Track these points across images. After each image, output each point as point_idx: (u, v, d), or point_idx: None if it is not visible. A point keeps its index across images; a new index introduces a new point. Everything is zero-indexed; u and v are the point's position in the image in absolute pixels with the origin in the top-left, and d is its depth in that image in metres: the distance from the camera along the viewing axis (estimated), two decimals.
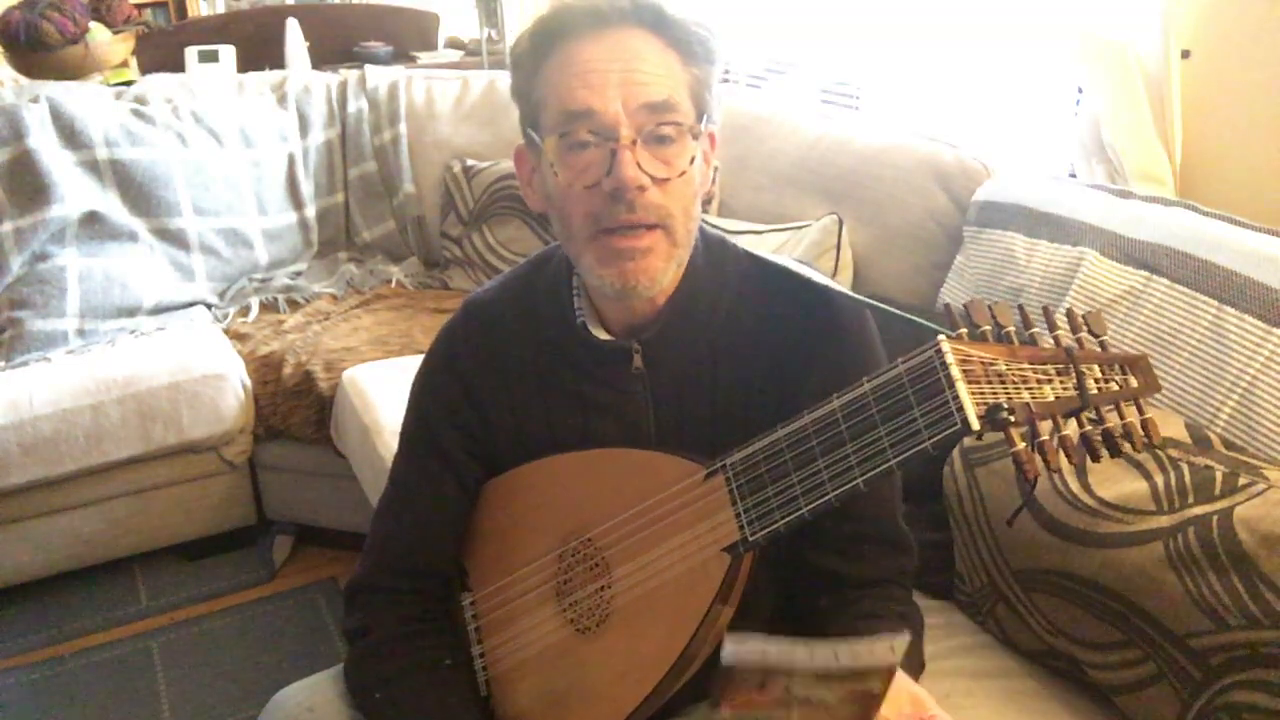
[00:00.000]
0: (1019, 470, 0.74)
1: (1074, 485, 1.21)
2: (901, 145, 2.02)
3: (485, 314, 1.11)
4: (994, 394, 0.75)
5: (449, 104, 2.86)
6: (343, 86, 2.87)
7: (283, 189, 2.74)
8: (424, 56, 3.76)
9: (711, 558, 0.91)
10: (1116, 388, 0.83)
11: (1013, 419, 0.74)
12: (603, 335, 1.03)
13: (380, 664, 1.07)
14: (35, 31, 3.05)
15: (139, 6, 4.08)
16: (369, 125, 2.83)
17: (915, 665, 1.02)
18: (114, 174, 2.49)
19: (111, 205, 2.48)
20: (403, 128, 2.81)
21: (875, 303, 1.00)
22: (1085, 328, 0.84)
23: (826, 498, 0.83)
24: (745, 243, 1.09)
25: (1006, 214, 1.71)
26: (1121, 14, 1.74)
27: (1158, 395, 1.29)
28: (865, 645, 0.70)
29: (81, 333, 2.34)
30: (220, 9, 4.71)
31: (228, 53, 3.31)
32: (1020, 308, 0.82)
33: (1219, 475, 1.12)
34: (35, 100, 2.46)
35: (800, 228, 2.07)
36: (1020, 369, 0.77)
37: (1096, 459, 0.80)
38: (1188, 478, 1.14)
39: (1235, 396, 1.26)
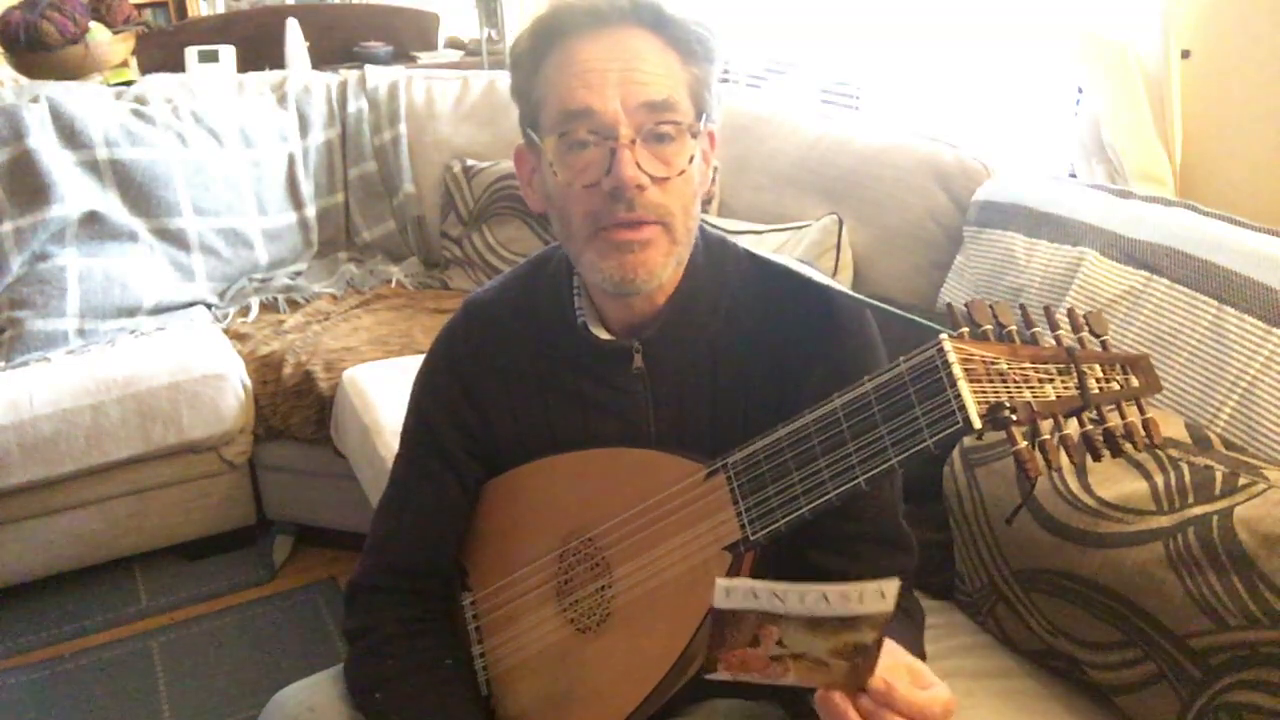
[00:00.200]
0: (1020, 469, 0.74)
1: (1074, 485, 1.21)
2: (901, 145, 2.02)
3: (485, 314, 1.11)
4: (995, 393, 0.75)
5: (449, 104, 2.86)
6: (343, 86, 2.87)
7: (283, 189, 2.74)
8: (424, 56, 3.76)
9: (712, 557, 0.91)
10: (1118, 387, 0.83)
11: (1014, 418, 0.74)
12: (603, 335, 1.03)
13: (380, 664, 1.07)
14: (35, 31, 3.05)
15: (139, 6, 4.09)
16: (369, 125, 2.83)
17: (917, 659, 1.02)
18: (114, 174, 2.49)
19: (111, 205, 2.48)
20: (403, 128, 2.81)
21: (876, 302, 1.00)
22: (1086, 327, 0.84)
23: (828, 496, 0.83)
24: (745, 243, 1.09)
25: (1006, 214, 1.71)
26: (1121, 14, 1.74)
27: (1158, 395, 1.29)
28: (854, 588, 0.69)
29: (81, 333, 2.34)
30: (220, 9, 4.72)
31: (228, 53, 3.31)
32: (1022, 307, 0.82)
33: (1219, 475, 1.12)
34: (35, 100, 2.46)
35: (800, 228, 2.07)
36: (1022, 368, 0.77)
37: (1098, 458, 0.80)
38: (1188, 478, 1.14)
39: (1235, 396, 1.26)
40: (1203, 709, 1.06)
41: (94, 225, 2.44)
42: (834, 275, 1.98)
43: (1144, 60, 1.71)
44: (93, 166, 2.48)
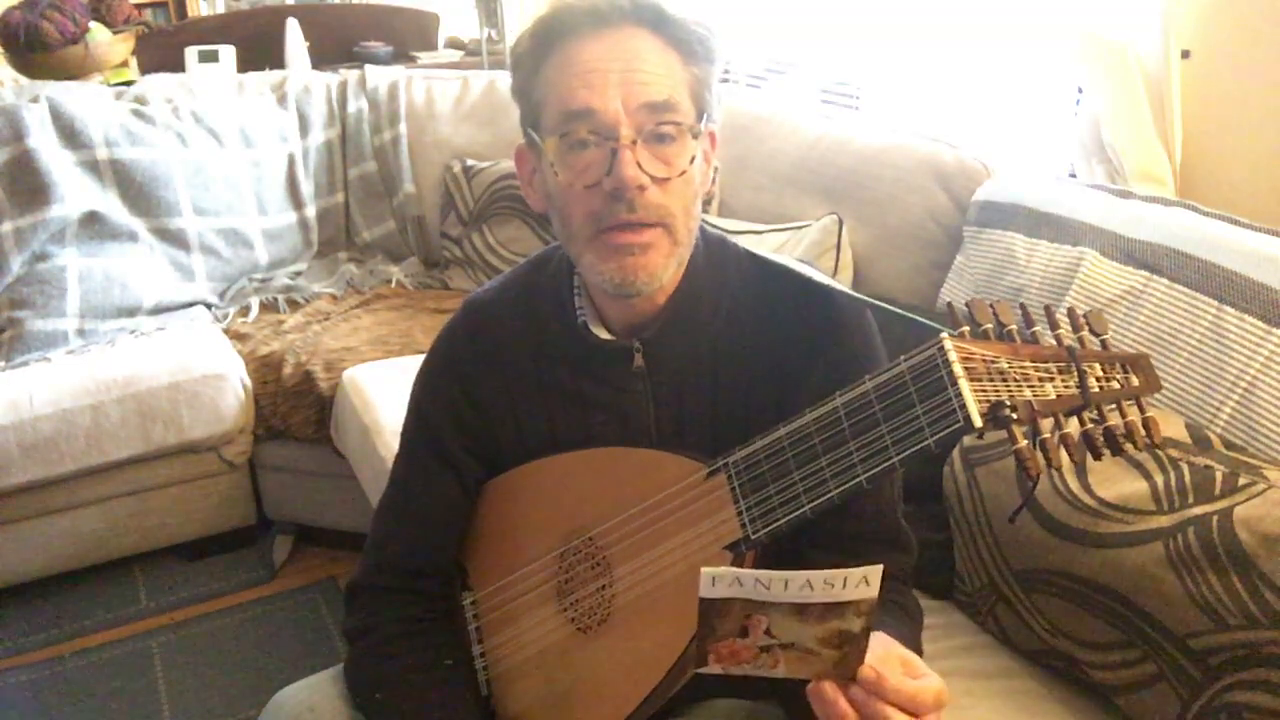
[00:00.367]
0: (1021, 467, 0.74)
1: (1074, 485, 1.21)
2: (901, 145, 2.02)
3: (486, 314, 1.11)
4: (996, 392, 0.75)
5: (449, 104, 2.86)
6: (343, 86, 2.87)
7: (283, 189, 2.75)
8: (424, 56, 3.76)
9: (713, 556, 0.91)
10: (1118, 386, 0.83)
11: (1015, 416, 0.74)
12: (604, 335, 1.03)
13: (381, 664, 1.07)
14: (35, 31, 3.05)
15: (139, 6, 4.08)
16: (369, 125, 2.83)
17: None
18: (114, 174, 2.49)
19: (111, 205, 2.48)
20: (403, 128, 2.81)
21: (876, 302, 1.00)
22: (1086, 326, 0.84)
23: (829, 495, 0.83)
24: (745, 243, 1.09)
25: (1006, 214, 1.71)
26: (1121, 14, 1.74)
27: (1158, 395, 1.29)
28: (838, 574, 0.70)
29: (81, 333, 2.34)
30: (220, 9, 4.72)
31: (228, 53, 3.31)
32: (1022, 306, 0.82)
33: (1219, 475, 1.12)
34: (35, 100, 2.46)
35: (800, 228, 2.07)
36: (1022, 367, 0.77)
37: (1098, 457, 0.80)
38: (1188, 478, 1.14)
39: (1235, 396, 1.26)
40: (1203, 709, 1.06)
41: (94, 225, 2.44)
42: (834, 275, 1.98)
43: (1144, 60, 1.71)
44: (93, 166, 2.48)
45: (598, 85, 0.92)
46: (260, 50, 3.45)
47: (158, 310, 2.48)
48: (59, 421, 2.13)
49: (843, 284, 1.68)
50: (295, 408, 2.29)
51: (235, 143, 2.67)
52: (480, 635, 1.10)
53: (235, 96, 2.77)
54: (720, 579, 0.71)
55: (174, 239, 2.55)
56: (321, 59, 3.49)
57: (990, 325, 0.78)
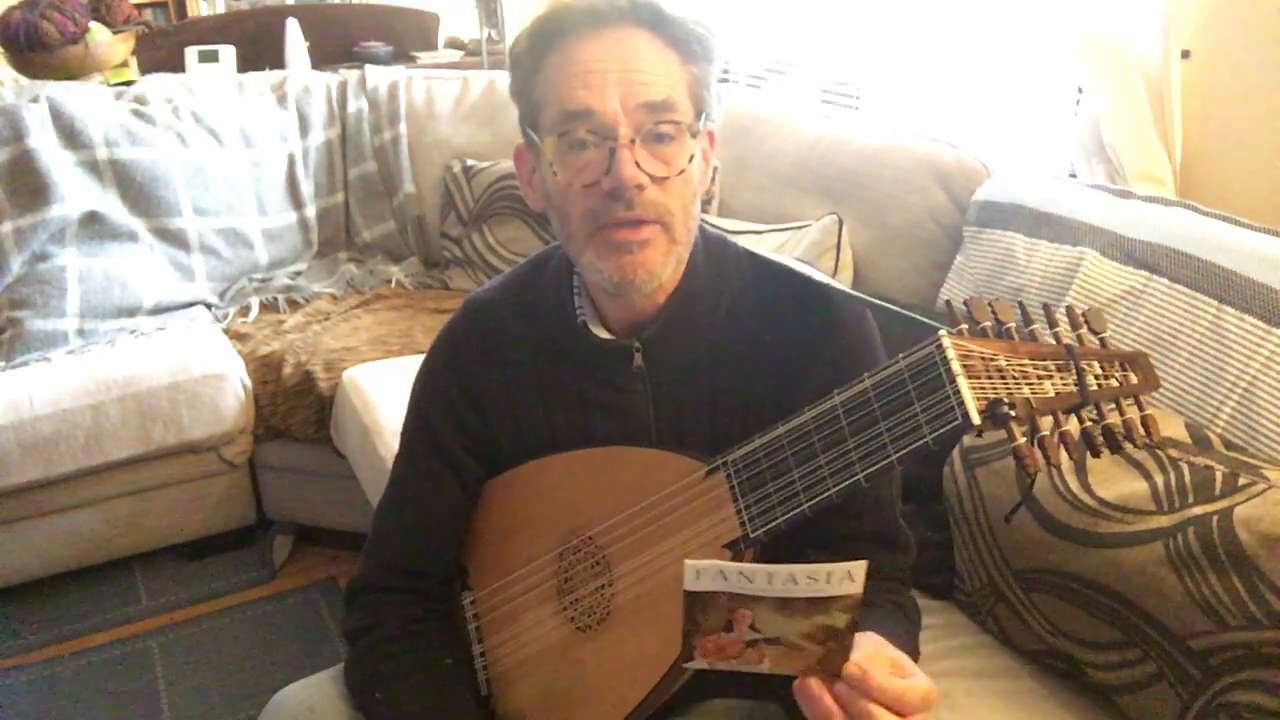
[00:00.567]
0: (1020, 465, 0.74)
1: (1074, 485, 1.21)
2: (901, 145, 2.02)
3: (486, 313, 1.11)
4: (994, 389, 0.75)
5: (449, 104, 2.86)
6: (343, 86, 2.87)
7: (283, 189, 2.75)
8: (424, 56, 3.76)
9: (713, 554, 0.91)
10: (1116, 384, 0.83)
11: (1014, 414, 0.74)
12: (603, 334, 1.03)
13: (381, 663, 1.07)
14: (35, 31, 3.05)
15: (139, 6, 4.09)
16: (369, 125, 2.83)
17: (910, 655, 1.02)
18: (114, 174, 2.49)
19: (111, 205, 2.48)
20: (403, 128, 2.81)
21: (876, 301, 1.00)
22: (1085, 325, 0.84)
23: (828, 493, 0.83)
24: (745, 242, 1.09)
25: (1006, 214, 1.71)
26: (1121, 14, 1.74)
27: (1157, 395, 1.29)
28: (822, 569, 0.70)
29: (81, 333, 2.34)
30: (220, 9, 4.72)
31: (228, 53, 3.31)
32: (1021, 304, 0.82)
33: (1219, 475, 1.12)
34: (35, 100, 2.46)
35: (800, 228, 2.07)
36: (1021, 365, 0.77)
37: (1097, 455, 0.80)
38: (1188, 478, 1.14)
39: (1235, 396, 1.26)
40: (1203, 709, 1.06)
41: (94, 225, 2.44)
42: (834, 275, 1.98)
43: (1144, 60, 1.71)
44: (93, 166, 2.48)
45: (596, 85, 0.92)
46: (260, 50, 3.45)
47: (158, 310, 2.48)
48: (59, 421, 2.13)
49: (842, 284, 1.68)
50: (295, 408, 2.29)
51: (235, 143, 2.67)
52: (480, 635, 1.10)
53: (235, 96, 2.77)
54: (704, 572, 0.71)
55: (174, 239, 2.55)
56: (321, 59, 3.49)
57: (989, 323, 0.78)
